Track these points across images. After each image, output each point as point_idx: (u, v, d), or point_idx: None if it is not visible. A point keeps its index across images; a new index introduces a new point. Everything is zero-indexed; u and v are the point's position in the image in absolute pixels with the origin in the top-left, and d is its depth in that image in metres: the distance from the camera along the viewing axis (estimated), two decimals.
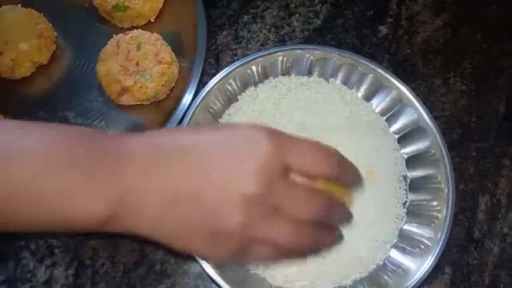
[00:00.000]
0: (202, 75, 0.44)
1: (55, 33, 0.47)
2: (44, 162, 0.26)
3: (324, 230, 0.30)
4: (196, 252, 0.33)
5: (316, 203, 0.29)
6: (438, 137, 0.42)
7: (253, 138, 0.28)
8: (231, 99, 0.44)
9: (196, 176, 0.27)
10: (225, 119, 0.43)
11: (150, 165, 0.28)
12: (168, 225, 0.28)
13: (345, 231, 0.39)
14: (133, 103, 0.44)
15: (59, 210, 0.27)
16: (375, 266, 0.40)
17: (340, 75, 0.45)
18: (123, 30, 0.47)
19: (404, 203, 0.42)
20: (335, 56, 0.44)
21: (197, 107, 0.41)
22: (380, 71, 0.43)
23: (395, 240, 0.41)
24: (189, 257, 0.40)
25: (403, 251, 0.40)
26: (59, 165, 0.27)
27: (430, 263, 0.38)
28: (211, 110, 0.43)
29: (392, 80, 0.43)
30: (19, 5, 0.46)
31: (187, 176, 0.27)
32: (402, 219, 0.41)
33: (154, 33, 0.45)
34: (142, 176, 0.28)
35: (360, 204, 0.40)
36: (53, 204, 0.27)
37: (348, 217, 0.32)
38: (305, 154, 0.29)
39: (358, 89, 0.44)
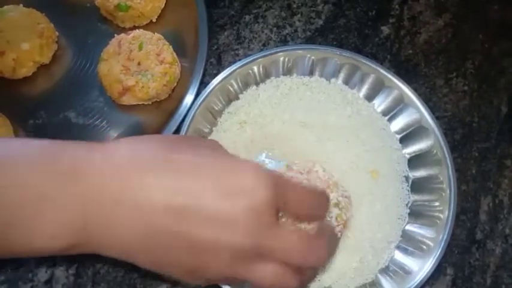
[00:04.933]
0: (203, 75, 0.44)
1: (57, 33, 0.47)
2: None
3: (300, 278, 0.28)
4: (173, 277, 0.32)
5: (313, 252, 0.28)
6: (440, 138, 0.41)
7: (252, 179, 0.26)
8: (232, 100, 0.44)
9: (180, 211, 0.25)
10: (224, 117, 0.43)
11: (124, 187, 0.26)
12: (143, 255, 0.27)
13: (351, 231, 0.39)
14: (134, 103, 0.44)
15: (18, 240, 0.26)
16: (380, 268, 0.39)
17: (342, 75, 0.44)
18: (124, 30, 0.47)
19: (407, 204, 0.42)
20: (337, 56, 0.44)
21: (199, 107, 0.41)
22: (382, 71, 0.43)
23: (398, 240, 0.40)
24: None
25: (404, 251, 0.40)
26: (16, 182, 0.25)
27: (432, 263, 0.38)
28: (213, 110, 0.43)
29: (394, 80, 0.43)
30: (21, 5, 0.46)
31: (169, 207, 0.25)
32: (405, 220, 0.41)
33: (156, 33, 0.45)
34: (114, 200, 0.26)
35: (365, 204, 0.40)
36: (12, 236, 0.26)
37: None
38: (301, 201, 0.28)
39: (359, 89, 0.44)
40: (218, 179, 0.26)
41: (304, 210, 0.29)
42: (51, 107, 0.45)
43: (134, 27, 0.47)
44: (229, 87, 0.43)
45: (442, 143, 0.41)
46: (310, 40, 0.48)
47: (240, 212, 0.25)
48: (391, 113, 0.44)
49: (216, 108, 0.43)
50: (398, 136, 0.43)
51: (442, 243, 0.39)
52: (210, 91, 0.42)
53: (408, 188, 0.42)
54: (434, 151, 0.42)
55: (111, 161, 0.26)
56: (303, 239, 0.27)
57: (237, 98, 0.44)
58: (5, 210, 0.25)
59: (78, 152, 0.27)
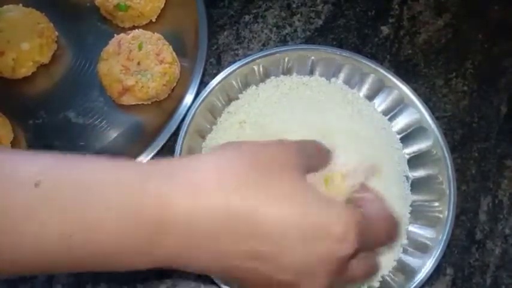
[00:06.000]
0: (203, 75, 0.44)
1: (56, 33, 0.47)
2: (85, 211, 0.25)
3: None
4: None
5: (372, 272, 0.30)
6: (440, 138, 0.41)
7: (340, 232, 0.25)
8: (232, 99, 0.44)
9: (261, 253, 0.25)
10: (224, 116, 0.43)
11: (202, 236, 0.25)
12: (222, 278, 0.28)
13: None
14: (134, 103, 0.44)
15: (108, 263, 0.26)
16: (389, 269, 0.39)
17: (342, 75, 0.44)
18: (124, 30, 0.47)
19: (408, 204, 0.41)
20: (336, 56, 0.44)
21: (198, 106, 0.41)
22: (381, 71, 0.43)
23: (406, 241, 0.40)
24: None
25: (404, 251, 0.40)
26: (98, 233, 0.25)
27: (432, 263, 0.38)
28: (213, 110, 0.43)
29: (394, 80, 0.43)
30: (20, 5, 0.46)
31: (252, 252, 0.25)
32: (408, 220, 0.41)
33: (156, 33, 0.45)
34: (190, 255, 0.26)
35: None
36: (101, 259, 0.26)
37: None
38: (376, 239, 0.29)
39: (359, 89, 0.44)
40: (304, 220, 0.25)
41: (377, 246, 0.29)
42: (51, 106, 0.45)
43: (134, 27, 0.47)
44: (229, 86, 0.43)
45: (442, 143, 0.41)
46: (309, 40, 0.48)
47: (320, 259, 0.25)
48: (391, 113, 0.44)
49: (216, 108, 0.43)
50: (398, 136, 0.44)
51: (442, 243, 0.39)
52: (210, 91, 0.42)
53: (408, 188, 0.42)
54: (434, 151, 0.42)
55: (196, 199, 0.25)
56: (366, 267, 0.29)
57: (237, 98, 0.44)
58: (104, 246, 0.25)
59: (162, 189, 0.25)
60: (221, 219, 0.24)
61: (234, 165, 0.26)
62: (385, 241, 0.29)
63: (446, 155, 0.41)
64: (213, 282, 0.38)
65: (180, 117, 0.42)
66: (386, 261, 0.39)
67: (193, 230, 0.25)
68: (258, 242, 0.25)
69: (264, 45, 0.48)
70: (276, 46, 0.47)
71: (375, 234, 0.28)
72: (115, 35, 0.45)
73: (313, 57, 0.44)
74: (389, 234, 0.29)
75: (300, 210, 0.25)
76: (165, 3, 0.48)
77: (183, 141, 0.40)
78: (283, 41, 0.48)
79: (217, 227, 0.25)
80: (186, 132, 0.40)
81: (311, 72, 0.45)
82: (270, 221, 0.24)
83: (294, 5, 0.50)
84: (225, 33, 0.48)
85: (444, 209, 0.40)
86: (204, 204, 0.24)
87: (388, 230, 0.29)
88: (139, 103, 0.44)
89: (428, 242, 0.39)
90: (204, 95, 0.42)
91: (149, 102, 0.45)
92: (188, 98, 0.42)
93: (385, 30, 0.49)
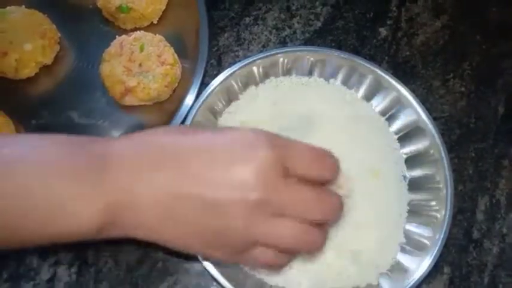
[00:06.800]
0: (204, 76, 0.44)
1: (59, 34, 0.47)
2: (33, 174, 0.27)
3: (320, 230, 0.30)
4: (196, 253, 0.34)
5: (327, 206, 0.29)
6: (437, 138, 0.42)
7: (251, 143, 0.28)
8: (232, 100, 0.44)
9: (194, 180, 0.28)
10: (225, 117, 0.44)
11: (141, 167, 0.28)
12: (166, 228, 0.29)
13: (354, 231, 0.40)
14: (136, 103, 0.45)
15: (52, 221, 0.27)
16: (387, 268, 0.39)
17: (340, 76, 0.45)
18: (126, 31, 0.47)
19: (406, 203, 0.42)
20: (335, 57, 0.44)
21: (199, 107, 0.42)
22: (379, 72, 0.44)
23: (403, 240, 0.40)
24: (190, 257, 0.40)
25: (402, 250, 0.40)
26: (47, 176, 0.27)
27: (429, 262, 0.39)
28: (213, 111, 0.43)
29: (392, 81, 0.44)
30: (23, 6, 0.46)
31: (184, 179, 0.28)
32: (405, 219, 0.41)
33: (157, 35, 0.45)
34: (134, 179, 0.28)
35: (368, 203, 0.41)
36: (45, 216, 0.27)
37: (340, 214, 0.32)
38: (303, 158, 0.29)
39: (357, 89, 0.45)
40: (225, 150, 0.28)
41: (308, 169, 0.29)
42: (54, 107, 0.46)
43: (135, 29, 0.47)
44: (230, 87, 0.44)
45: (439, 143, 0.42)
46: (308, 42, 0.49)
47: (249, 173, 0.27)
48: (388, 113, 0.44)
49: (217, 109, 0.44)
50: (396, 136, 0.44)
51: (439, 242, 0.39)
52: (211, 92, 0.42)
53: (406, 188, 0.42)
54: (432, 151, 0.42)
55: (127, 155, 0.29)
56: (311, 193, 0.29)
57: (237, 98, 0.44)
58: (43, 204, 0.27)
59: (96, 150, 0.29)
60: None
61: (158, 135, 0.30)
62: (318, 167, 0.30)
63: (444, 155, 0.41)
64: (213, 280, 0.38)
65: (181, 118, 0.42)
66: (384, 260, 0.40)
67: (137, 161, 0.28)
68: (191, 169, 0.28)
69: (263, 46, 0.49)
70: (276, 48, 0.48)
71: (299, 151, 0.29)
72: (117, 36, 0.45)
73: (312, 59, 0.44)
74: (319, 158, 0.30)
75: (218, 136, 0.29)
76: (166, 5, 0.48)
77: None
78: (283, 43, 0.49)
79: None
80: None
81: (310, 73, 0.45)
82: (198, 148, 0.28)
83: (294, 7, 0.50)
84: (226, 35, 0.49)
85: (441, 208, 0.40)
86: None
87: (315, 152, 0.30)
88: (141, 104, 0.45)
89: (425, 241, 0.40)
90: (205, 95, 0.42)
91: (151, 103, 0.45)
92: (189, 99, 0.43)
93: (383, 32, 0.49)
